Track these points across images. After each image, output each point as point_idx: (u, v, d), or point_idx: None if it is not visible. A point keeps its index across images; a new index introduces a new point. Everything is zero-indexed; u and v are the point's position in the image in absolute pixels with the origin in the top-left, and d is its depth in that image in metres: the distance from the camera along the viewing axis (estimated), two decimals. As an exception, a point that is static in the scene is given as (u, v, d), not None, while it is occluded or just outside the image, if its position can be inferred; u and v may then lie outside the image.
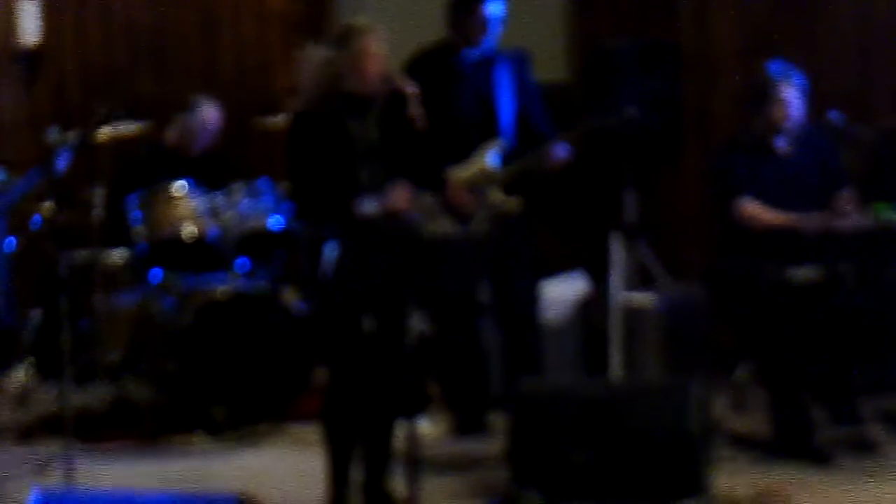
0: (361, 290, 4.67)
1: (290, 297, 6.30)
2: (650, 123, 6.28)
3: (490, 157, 5.79)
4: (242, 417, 6.04)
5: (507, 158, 5.81)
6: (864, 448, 5.41)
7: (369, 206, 4.67)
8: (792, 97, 5.54)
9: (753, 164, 5.59)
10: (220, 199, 6.17)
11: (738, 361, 6.03)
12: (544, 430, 4.83)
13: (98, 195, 6.17)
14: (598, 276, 6.58)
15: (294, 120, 4.83)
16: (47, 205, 6.00)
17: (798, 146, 5.64)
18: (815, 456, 5.28)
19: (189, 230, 6.13)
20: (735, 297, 5.55)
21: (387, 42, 4.75)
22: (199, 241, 6.14)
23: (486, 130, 5.79)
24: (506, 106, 5.83)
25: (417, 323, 4.49)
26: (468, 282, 5.44)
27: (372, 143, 4.75)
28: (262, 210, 6.19)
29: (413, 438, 4.43)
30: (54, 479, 5.15)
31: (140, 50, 7.74)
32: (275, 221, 6.20)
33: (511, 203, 5.78)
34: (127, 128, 6.22)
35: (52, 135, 5.88)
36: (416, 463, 4.42)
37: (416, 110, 4.71)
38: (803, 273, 5.47)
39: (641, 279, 6.46)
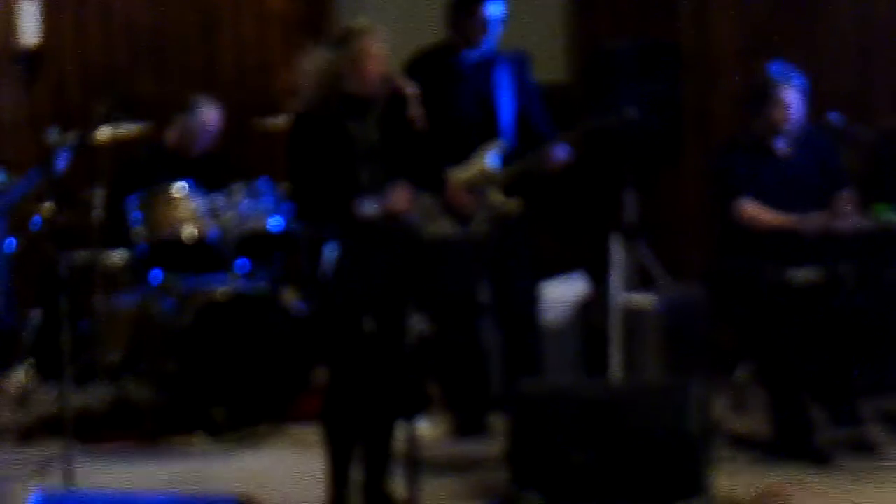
0: (361, 290, 4.67)
1: (290, 298, 6.30)
2: (650, 124, 6.27)
3: (490, 158, 5.79)
4: (242, 418, 6.04)
5: (507, 159, 5.82)
6: (863, 449, 5.41)
7: (369, 207, 4.67)
8: (792, 99, 5.54)
9: (753, 165, 5.59)
10: (220, 199, 6.17)
11: (738, 362, 6.03)
12: (544, 431, 4.83)
13: (98, 196, 6.17)
14: (598, 277, 6.58)
15: (294, 121, 4.83)
16: (47, 205, 6.00)
17: (798, 147, 5.64)
18: (815, 456, 5.28)
19: (189, 231, 6.13)
20: (735, 298, 5.55)
21: (387, 43, 4.75)
22: (199, 242, 6.14)
23: (486, 131, 5.79)
24: (506, 106, 5.83)
25: (417, 323, 4.49)
26: (468, 282, 5.46)
27: (372, 143, 4.75)
28: (262, 211, 6.19)
29: (413, 439, 4.43)
30: (54, 480, 5.15)
31: (140, 50, 7.73)
32: (275, 222, 6.20)
33: (511, 204, 5.78)
34: (127, 128, 6.22)
35: (52, 135, 5.87)
36: (416, 464, 4.42)
37: (416, 111, 4.71)
38: (803, 274, 5.47)
39: (641, 280, 6.46)
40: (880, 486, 5.02)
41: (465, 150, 5.74)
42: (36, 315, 6.73)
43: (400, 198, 4.71)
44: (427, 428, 5.86)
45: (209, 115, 6.52)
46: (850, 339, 5.44)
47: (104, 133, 6.10)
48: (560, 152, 5.78)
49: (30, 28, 7.71)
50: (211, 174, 6.36)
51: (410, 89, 4.72)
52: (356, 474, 4.83)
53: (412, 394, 4.79)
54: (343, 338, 4.71)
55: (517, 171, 5.80)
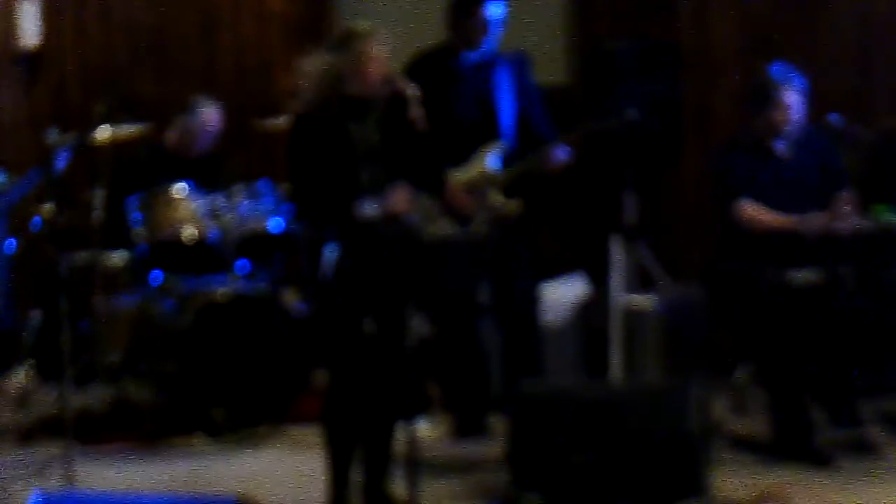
0: (361, 291, 4.67)
1: (290, 299, 6.30)
2: (650, 125, 6.27)
3: (490, 160, 5.79)
4: (242, 419, 6.04)
5: (507, 160, 5.82)
6: (863, 450, 5.41)
7: (369, 208, 4.67)
8: (793, 101, 5.53)
9: (753, 166, 5.59)
10: (220, 200, 6.17)
11: (738, 363, 6.03)
12: (544, 432, 4.83)
13: (98, 197, 6.16)
14: (599, 278, 6.58)
15: (295, 122, 4.83)
16: (47, 206, 5.98)
17: (798, 148, 5.64)
18: (815, 458, 5.28)
19: (189, 232, 6.13)
20: (735, 299, 5.55)
21: (387, 45, 4.75)
22: (200, 243, 6.14)
23: (487, 133, 5.79)
24: (506, 108, 5.83)
25: (417, 325, 4.49)
26: (468, 283, 5.45)
27: (372, 145, 4.75)
28: (263, 212, 6.19)
29: (413, 440, 4.44)
30: (54, 481, 5.15)
31: (140, 50, 7.73)
32: (275, 223, 6.20)
33: (511, 205, 5.78)
34: (127, 129, 6.22)
35: (52, 136, 5.87)
36: (416, 465, 4.43)
37: (416, 112, 4.71)
38: (803, 275, 5.47)
39: (641, 281, 6.46)
40: (880, 487, 5.02)
41: (466, 152, 5.74)
42: (36, 316, 6.72)
43: (400, 199, 4.71)
44: (427, 429, 5.86)
45: (209, 115, 6.52)
46: (850, 341, 5.44)
47: (104, 133, 6.10)
48: (560, 154, 5.78)
49: (30, 29, 7.71)
50: (211, 175, 6.36)
51: (411, 91, 4.72)
52: (356, 475, 4.83)
53: (412, 395, 4.80)
54: (343, 339, 4.71)
55: (517, 172, 5.80)
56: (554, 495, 4.78)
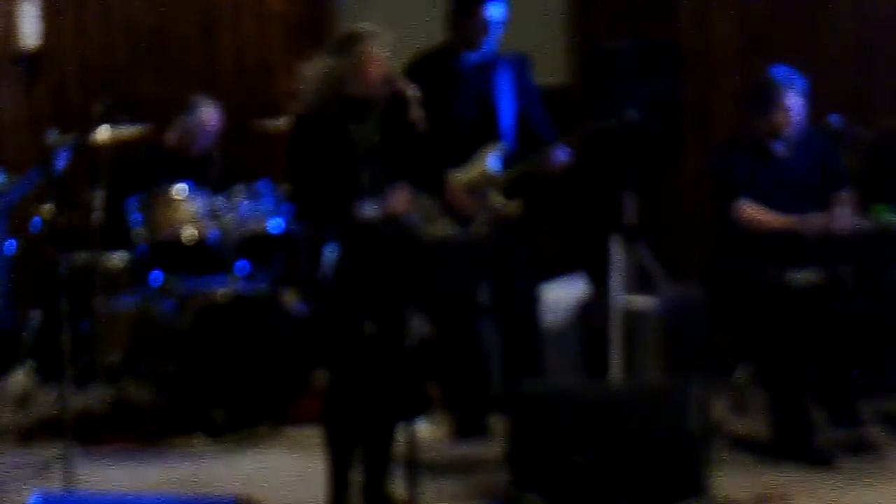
0: (361, 292, 4.67)
1: (290, 300, 6.30)
2: (650, 125, 6.27)
3: (490, 160, 5.79)
4: (242, 420, 6.04)
5: (507, 161, 5.82)
6: (863, 450, 5.41)
7: (370, 209, 4.67)
8: (794, 103, 5.53)
9: (753, 167, 5.59)
10: (220, 201, 6.17)
11: (738, 363, 6.03)
12: (544, 432, 4.83)
13: (98, 197, 6.16)
14: (599, 279, 6.58)
15: (295, 122, 4.83)
16: (47, 207, 5.98)
17: (797, 148, 5.64)
18: (815, 458, 5.28)
19: (189, 232, 6.13)
20: (735, 300, 5.55)
21: (388, 45, 4.75)
22: (200, 244, 6.14)
23: (487, 133, 5.79)
24: (506, 109, 5.83)
25: (417, 325, 4.49)
26: (468, 284, 5.46)
27: (373, 145, 4.75)
28: (263, 212, 6.19)
29: (413, 441, 4.44)
30: (54, 481, 5.15)
31: (140, 50, 7.73)
32: (275, 224, 6.20)
33: (511, 206, 5.78)
34: (127, 129, 6.22)
35: (52, 136, 5.87)
36: (416, 465, 4.43)
37: (416, 113, 4.71)
38: (803, 275, 5.47)
39: (641, 281, 6.46)
40: (880, 487, 5.02)
41: (466, 152, 5.74)
42: (36, 316, 6.72)
43: (400, 199, 4.71)
44: (427, 429, 5.86)
45: (209, 115, 6.52)
46: (850, 341, 5.45)
47: (104, 133, 6.09)
48: (560, 154, 5.78)
49: (30, 30, 7.71)
50: (211, 175, 6.36)
51: (411, 91, 4.72)
52: (356, 476, 4.83)
53: (412, 395, 4.80)
54: (343, 339, 4.71)
55: (517, 173, 5.80)
56: (554, 495, 4.78)
